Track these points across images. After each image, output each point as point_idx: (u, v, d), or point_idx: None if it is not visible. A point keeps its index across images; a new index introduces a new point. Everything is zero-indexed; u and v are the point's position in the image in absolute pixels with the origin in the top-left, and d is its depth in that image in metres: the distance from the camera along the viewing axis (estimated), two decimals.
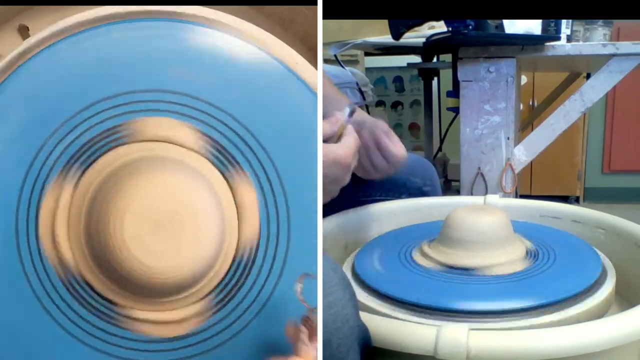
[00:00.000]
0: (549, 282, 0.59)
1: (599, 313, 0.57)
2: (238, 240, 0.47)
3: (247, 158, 0.47)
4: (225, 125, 0.47)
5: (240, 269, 0.47)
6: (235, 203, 0.47)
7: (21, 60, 0.46)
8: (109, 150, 0.46)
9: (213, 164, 0.47)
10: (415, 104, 3.42)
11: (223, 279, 0.47)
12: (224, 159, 0.47)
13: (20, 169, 0.45)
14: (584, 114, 2.37)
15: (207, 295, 0.47)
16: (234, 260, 0.47)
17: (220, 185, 0.47)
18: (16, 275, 0.45)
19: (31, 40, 0.46)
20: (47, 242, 0.45)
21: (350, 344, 0.46)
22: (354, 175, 0.80)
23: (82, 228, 0.45)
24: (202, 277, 0.46)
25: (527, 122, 2.27)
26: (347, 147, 0.61)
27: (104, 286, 0.45)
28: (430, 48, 1.51)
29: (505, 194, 1.19)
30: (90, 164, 0.46)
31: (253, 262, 0.47)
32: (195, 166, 0.47)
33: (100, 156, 0.46)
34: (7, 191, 0.45)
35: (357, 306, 0.49)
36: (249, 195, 0.47)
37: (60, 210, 0.46)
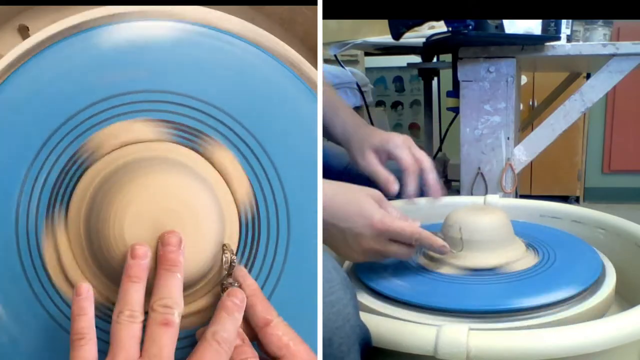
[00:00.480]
0: (549, 282, 0.59)
1: (599, 313, 0.57)
2: (239, 241, 0.47)
3: (247, 158, 0.47)
4: (225, 125, 0.47)
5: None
6: (236, 203, 0.47)
7: (21, 60, 0.46)
8: (109, 150, 0.46)
9: (217, 168, 0.47)
10: (415, 104, 3.42)
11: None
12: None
13: (21, 169, 0.45)
14: (584, 114, 2.37)
15: (209, 292, 0.47)
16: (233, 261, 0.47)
17: (222, 188, 0.47)
18: (17, 277, 0.45)
19: (31, 40, 0.46)
20: (47, 242, 0.45)
21: (352, 343, 0.46)
22: (353, 175, 0.80)
23: (82, 228, 0.45)
24: (206, 274, 0.46)
25: (527, 122, 2.27)
26: (393, 223, 0.58)
27: (105, 286, 0.45)
28: (430, 48, 1.51)
29: (505, 194, 1.19)
30: (91, 164, 0.46)
31: (253, 262, 0.47)
32: (196, 167, 0.47)
33: (100, 156, 0.46)
34: (7, 194, 0.45)
35: (358, 307, 0.49)
36: (249, 195, 0.47)
37: (61, 211, 0.46)
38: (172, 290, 0.42)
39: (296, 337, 0.43)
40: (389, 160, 0.78)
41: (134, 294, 0.41)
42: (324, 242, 0.59)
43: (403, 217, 0.59)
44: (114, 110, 0.46)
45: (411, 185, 0.68)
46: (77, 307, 0.41)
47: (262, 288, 0.46)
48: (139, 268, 0.42)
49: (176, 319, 0.41)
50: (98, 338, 0.41)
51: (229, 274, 0.45)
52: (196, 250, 0.44)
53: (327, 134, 0.84)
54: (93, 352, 0.40)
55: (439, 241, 0.60)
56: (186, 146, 0.47)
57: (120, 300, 0.41)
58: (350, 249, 0.59)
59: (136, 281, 0.41)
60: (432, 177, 0.75)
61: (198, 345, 0.41)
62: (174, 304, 0.41)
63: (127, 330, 0.40)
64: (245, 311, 0.43)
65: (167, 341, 0.40)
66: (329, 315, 0.45)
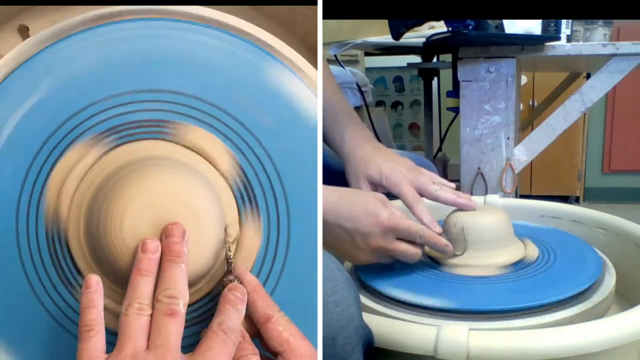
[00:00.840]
0: (549, 282, 0.59)
1: (599, 313, 0.57)
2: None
3: (247, 158, 0.47)
4: (225, 124, 0.47)
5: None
6: (237, 205, 0.47)
7: (21, 60, 0.46)
8: (110, 150, 0.46)
9: (213, 163, 0.47)
10: (415, 104, 3.42)
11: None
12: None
13: (21, 169, 0.45)
14: (584, 114, 2.37)
15: (211, 291, 0.47)
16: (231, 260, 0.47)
17: (220, 185, 0.47)
18: (16, 276, 0.45)
19: (31, 40, 0.46)
20: (47, 241, 0.45)
21: (355, 343, 0.46)
22: None
23: (82, 229, 0.45)
24: (205, 274, 0.46)
25: (527, 122, 2.27)
26: (402, 220, 0.58)
27: (105, 286, 0.45)
28: (430, 48, 1.51)
29: (505, 194, 1.19)
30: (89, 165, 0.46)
31: (253, 262, 0.47)
32: (195, 166, 0.47)
33: (100, 156, 0.46)
34: (7, 193, 0.45)
35: (361, 307, 0.49)
36: (248, 195, 0.47)
37: (62, 211, 0.46)
38: (177, 281, 0.42)
39: (297, 333, 0.43)
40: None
41: (143, 287, 0.41)
42: (330, 245, 0.59)
43: (406, 217, 0.60)
44: (112, 110, 0.46)
45: (425, 217, 0.64)
46: (86, 299, 0.41)
47: (262, 286, 0.46)
48: (149, 262, 0.42)
49: (181, 309, 0.41)
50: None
51: (229, 272, 0.45)
52: (197, 249, 0.44)
53: (327, 142, 0.82)
54: (101, 343, 0.40)
55: (442, 240, 0.61)
56: (185, 146, 0.47)
57: (130, 293, 0.41)
58: (358, 250, 0.59)
59: (146, 275, 0.42)
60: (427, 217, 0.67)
61: (204, 336, 0.41)
62: (179, 294, 0.41)
63: (135, 322, 0.40)
64: (246, 308, 0.43)
65: (172, 331, 0.40)
66: (333, 315, 0.45)
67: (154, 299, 0.41)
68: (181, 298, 0.41)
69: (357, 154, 0.74)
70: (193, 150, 0.47)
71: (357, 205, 0.59)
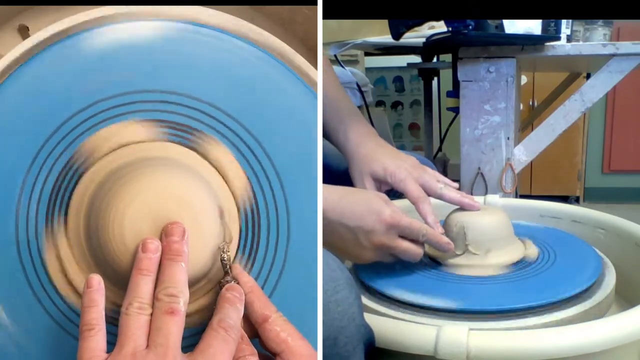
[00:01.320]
0: (549, 282, 0.59)
1: (599, 313, 0.57)
2: (239, 240, 0.47)
3: (247, 158, 0.47)
4: (225, 125, 0.47)
5: (242, 266, 0.47)
6: (237, 205, 0.47)
7: (21, 60, 0.46)
8: (110, 150, 0.46)
9: (213, 164, 0.47)
10: (415, 104, 3.42)
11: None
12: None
13: (20, 169, 0.45)
14: (584, 114, 2.37)
15: (213, 288, 0.47)
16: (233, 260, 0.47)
17: (221, 185, 0.47)
18: (19, 282, 0.45)
19: (31, 40, 0.46)
20: (48, 245, 0.45)
21: (356, 342, 0.46)
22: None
23: (82, 232, 0.45)
24: (207, 273, 0.46)
25: (527, 122, 2.27)
26: (404, 218, 0.58)
27: (106, 289, 0.45)
28: (430, 48, 1.51)
29: (505, 194, 1.19)
30: (91, 163, 0.46)
31: (253, 262, 0.48)
32: (194, 166, 0.47)
33: (96, 160, 0.46)
34: (7, 194, 0.45)
35: (362, 307, 0.49)
36: (248, 195, 0.47)
37: (62, 212, 0.46)
38: (177, 280, 0.42)
39: (295, 333, 0.43)
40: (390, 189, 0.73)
41: (143, 286, 0.41)
42: (333, 244, 0.59)
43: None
44: (109, 112, 0.46)
45: (429, 217, 0.63)
46: (87, 298, 0.42)
47: (262, 287, 0.47)
48: (150, 261, 0.42)
49: (182, 307, 0.41)
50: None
51: (226, 272, 0.45)
52: (196, 249, 0.44)
53: (330, 140, 0.82)
54: (102, 342, 0.40)
55: (444, 239, 0.61)
56: (184, 145, 0.47)
57: (130, 292, 0.41)
58: (361, 248, 0.59)
59: (146, 274, 0.42)
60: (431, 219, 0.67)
61: (205, 334, 0.41)
62: (179, 293, 0.41)
63: (135, 321, 0.40)
64: (244, 308, 0.43)
65: (173, 329, 0.40)
66: (334, 314, 0.45)
67: (155, 297, 0.41)
68: (181, 296, 0.41)
69: (360, 152, 0.74)
70: (191, 150, 0.47)
71: (360, 203, 0.59)
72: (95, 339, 0.40)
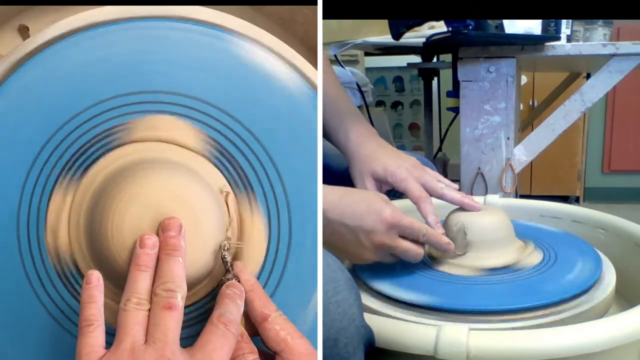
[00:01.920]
0: (549, 282, 0.59)
1: (599, 313, 0.57)
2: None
3: (247, 158, 0.47)
4: (225, 125, 0.47)
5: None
6: (237, 205, 0.47)
7: (22, 61, 0.46)
8: (110, 150, 0.46)
9: (214, 164, 0.47)
10: (415, 104, 3.42)
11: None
12: (225, 160, 0.47)
13: (22, 170, 0.45)
14: (584, 114, 2.37)
15: (211, 291, 0.47)
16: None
17: (221, 185, 0.47)
18: (17, 276, 0.45)
19: (31, 40, 0.46)
20: (48, 242, 0.45)
21: (357, 343, 0.47)
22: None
23: (82, 229, 0.45)
24: (206, 275, 0.46)
25: (527, 122, 2.27)
26: (404, 218, 0.58)
27: (105, 288, 0.45)
28: (430, 48, 1.51)
29: (505, 194, 1.19)
30: (91, 163, 0.46)
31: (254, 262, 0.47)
32: (196, 167, 0.47)
33: (101, 156, 0.46)
34: (8, 194, 0.45)
35: (362, 307, 0.49)
36: (248, 195, 0.47)
37: (62, 211, 0.46)
38: (174, 274, 0.42)
39: (295, 332, 0.43)
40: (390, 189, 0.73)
41: (141, 282, 0.41)
42: (333, 245, 0.59)
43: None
44: (113, 111, 0.46)
45: (430, 217, 0.63)
46: (86, 294, 0.42)
47: (263, 287, 0.47)
48: (147, 257, 0.42)
49: (179, 302, 0.41)
50: None
51: (227, 271, 0.45)
52: (196, 249, 0.44)
53: (330, 140, 0.82)
54: (101, 338, 0.40)
55: (444, 239, 0.61)
56: (219, 170, 0.47)
57: (128, 288, 0.41)
58: (361, 248, 0.59)
59: (144, 270, 0.42)
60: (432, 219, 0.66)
61: (204, 329, 0.41)
62: (177, 288, 0.41)
63: (134, 316, 0.40)
64: (244, 306, 0.43)
65: (171, 324, 0.40)
66: (335, 315, 0.45)
67: (152, 292, 0.41)
68: (179, 291, 0.41)
69: (361, 151, 0.74)
70: (192, 151, 0.47)
71: (360, 203, 0.59)
72: (94, 335, 0.40)
